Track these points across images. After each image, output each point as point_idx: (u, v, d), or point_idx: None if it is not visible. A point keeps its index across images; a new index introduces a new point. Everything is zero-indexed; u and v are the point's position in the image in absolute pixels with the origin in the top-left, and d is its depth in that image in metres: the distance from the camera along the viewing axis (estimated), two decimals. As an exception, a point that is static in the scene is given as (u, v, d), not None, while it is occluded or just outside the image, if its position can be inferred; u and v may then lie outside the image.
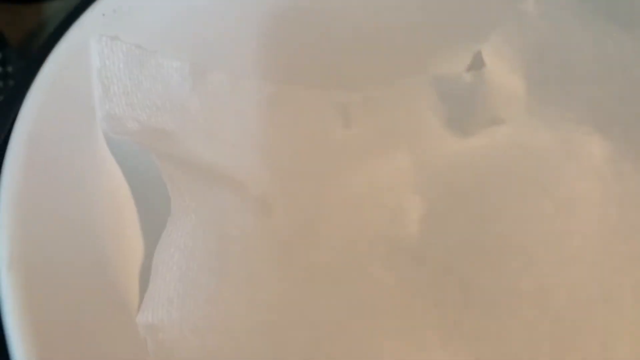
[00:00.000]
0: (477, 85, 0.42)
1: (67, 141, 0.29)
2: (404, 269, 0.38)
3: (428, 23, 0.42)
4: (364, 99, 0.42)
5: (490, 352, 0.35)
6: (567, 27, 0.41)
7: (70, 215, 0.28)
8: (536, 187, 0.40)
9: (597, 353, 0.34)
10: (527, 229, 0.39)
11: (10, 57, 0.46)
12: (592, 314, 0.35)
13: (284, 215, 0.36)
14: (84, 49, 0.30)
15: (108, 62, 0.31)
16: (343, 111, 0.42)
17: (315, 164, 0.38)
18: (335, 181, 0.39)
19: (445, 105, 0.42)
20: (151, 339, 0.27)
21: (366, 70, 0.42)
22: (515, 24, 0.42)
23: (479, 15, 0.42)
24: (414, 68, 0.43)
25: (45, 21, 0.51)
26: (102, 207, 0.29)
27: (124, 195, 0.30)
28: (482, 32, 0.43)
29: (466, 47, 0.43)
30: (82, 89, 0.30)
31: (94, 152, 0.30)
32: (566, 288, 0.36)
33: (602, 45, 0.40)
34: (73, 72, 0.30)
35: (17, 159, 0.27)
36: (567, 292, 0.36)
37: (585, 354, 0.34)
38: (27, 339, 0.23)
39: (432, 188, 0.41)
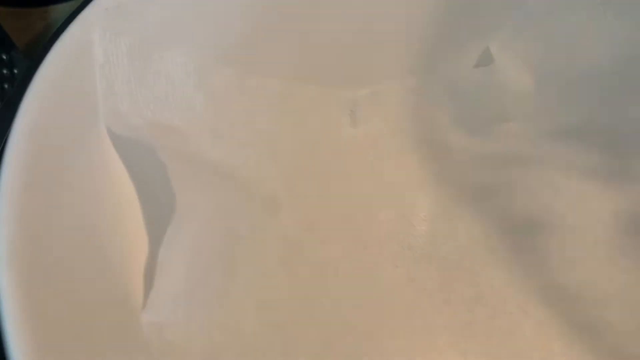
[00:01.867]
0: (486, 81, 0.41)
1: (69, 136, 0.28)
2: (414, 268, 0.37)
3: (435, 20, 0.41)
4: (370, 97, 0.42)
5: (501, 352, 0.34)
6: (575, 22, 0.41)
7: (72, 212, 0.28)
8: (546, 184, 0.39)
9: (610, 351, 0.34)
10: (537, 226, 0.38)
11: (16, 60, 0.46)
12: (604, 312, 0.35)
13: (292, 214, 0.35)
14: (86, 43, 0.30)
15: (112, 58, 0.30)
16: (350, 109, 0.41)
17: (323, 162, 0.37)
18: (343, 179, 0.38)
19: (454, 102, 0.42)
20: (156, 338, 0.27)
21: (372, 67, 0.41)
22: (523, 19, 0.42)
23: (487, 12, 0.42)
24: (421, 65, 0.42)
25: (52, 24, 0.50)
26: (105, 204, 0.29)
27: (128, 192, 0.30)
28: (490, 28, 0.42)
29: (474, 44, 0.43)
30: (84, 84, 0.29)
31: (98, 148, 0.29)
32: (577, 286, 0.36)
33: (612, 40, 0.40)
34: (75, 67, 0.29)
35: (17, 155, 0.26)
36: (577, 290, 0.35)
37: (598, 353, 0.34)
38: (25, 338, 0.23)
39: (440, 185, 0.40)
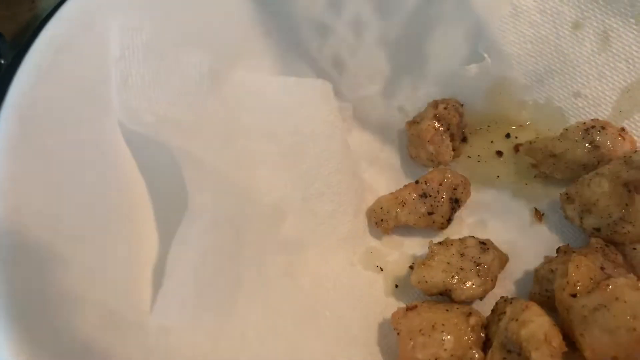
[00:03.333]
0: (480, 79, 0.42)
1: (73, 126, 0.27)
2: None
3: (423, 19, 0.41)
4: (363, 101, 0.42)
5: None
6: (565, 21, 0.41)
7: (80, 208, 0.27)
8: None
9: None
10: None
11: (3, 50, 0.45)
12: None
13: (295, 225, 0.35)
14: (82, 26, 0.29)
15: (127, 53, 0.29)
16: (347, 116, 0.41)
17: (330, 173, 0.37)
18: (350, 195, 0.38)
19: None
20: (163, 344, 0.26)
21: (366, 71, 0.41)
22: (512, 19, 0.42)
23: (476, 13, 0.42)
24: (410, 65, 0.42)
25: (40, 14, 0.49)
26: (116, 200, 0.28)
27: (139, 188, 0.29)
28: (479, 30, 0.42)
29: (463, 45, 0.42)
30: (84, 70, 0.28)
31: (109, 142, 0.28)
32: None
33: (602, 38, 0.40)
34: (70, 52, 0.28)
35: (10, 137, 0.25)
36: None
37: None
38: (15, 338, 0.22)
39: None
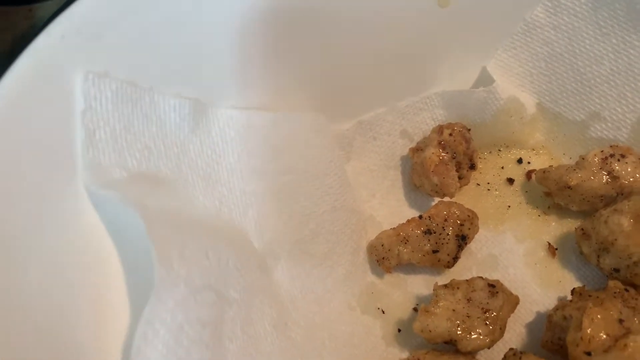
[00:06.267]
0: (490, 102, 0.39)
1: (27, 194, 0.24)
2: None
3: (429, 42, 0.38)
4: (363, 126, 0.39)
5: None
6: (582, 38, 0.38)
7: (39, 288, 0.24)
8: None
9: None
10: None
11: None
12: None
13: (288, 271, 0.32)
14: (37, 82, 0.25)
15: (94, 103, 0.27)
16: (346, 144, 0.39)
17: (325, 209, 0.34)
18: (347, 225, 0.36)
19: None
20: None
21: (366, 94, 0.38)
22: (523, 35, 0.39)
23: (484, 30, 0.39)
24: (414, 86, 0.39)
25: (37, 23, 0.48)
26: (79, 278, 0.25)
27: (109, 262, 0.26)
28: (487, 48, 0.40)
29: (471, 64, 0.40)
30: (37, 131, 0.25)
31: (73, 209, 0.26)
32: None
33: (623, 56, 0.37)
34: (25, 111, 0.25)
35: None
36: None
37: None
38: None
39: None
